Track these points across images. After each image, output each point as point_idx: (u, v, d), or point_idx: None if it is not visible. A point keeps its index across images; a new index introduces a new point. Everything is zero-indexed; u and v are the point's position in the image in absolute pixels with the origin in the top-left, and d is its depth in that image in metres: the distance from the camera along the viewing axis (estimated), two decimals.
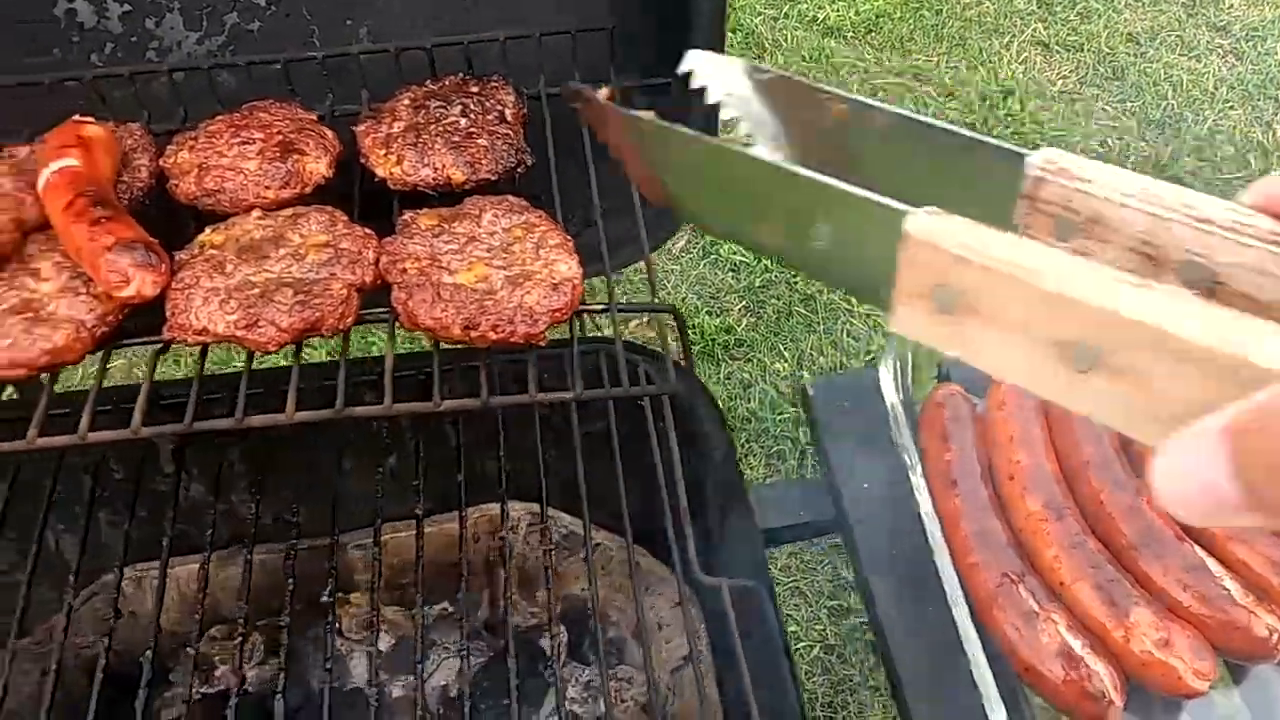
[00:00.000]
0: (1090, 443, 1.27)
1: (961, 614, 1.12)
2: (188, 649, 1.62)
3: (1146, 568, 1.19)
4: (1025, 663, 1.15)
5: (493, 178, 1.27)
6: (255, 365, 1.13)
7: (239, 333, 1.06)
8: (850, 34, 4.35)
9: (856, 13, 4.39)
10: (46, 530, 1.50)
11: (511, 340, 1.08)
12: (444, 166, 1.25)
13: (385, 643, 1.61)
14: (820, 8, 4.38)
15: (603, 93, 0.86)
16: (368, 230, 1.17)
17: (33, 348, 1.04)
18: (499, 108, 1.32)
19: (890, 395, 1.29)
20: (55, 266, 1.11)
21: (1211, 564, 1.18)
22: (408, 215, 1.19)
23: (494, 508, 1.64)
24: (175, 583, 1.58)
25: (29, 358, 1.04)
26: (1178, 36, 4.22)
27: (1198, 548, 1.19)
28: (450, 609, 1.64)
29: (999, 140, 0.63)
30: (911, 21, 4.41)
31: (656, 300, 1.21)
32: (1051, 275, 0.47)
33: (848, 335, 3.31)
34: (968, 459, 1.28)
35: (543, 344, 1.10)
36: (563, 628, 1.66)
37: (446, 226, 1.17)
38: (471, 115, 1.30)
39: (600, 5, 1.53)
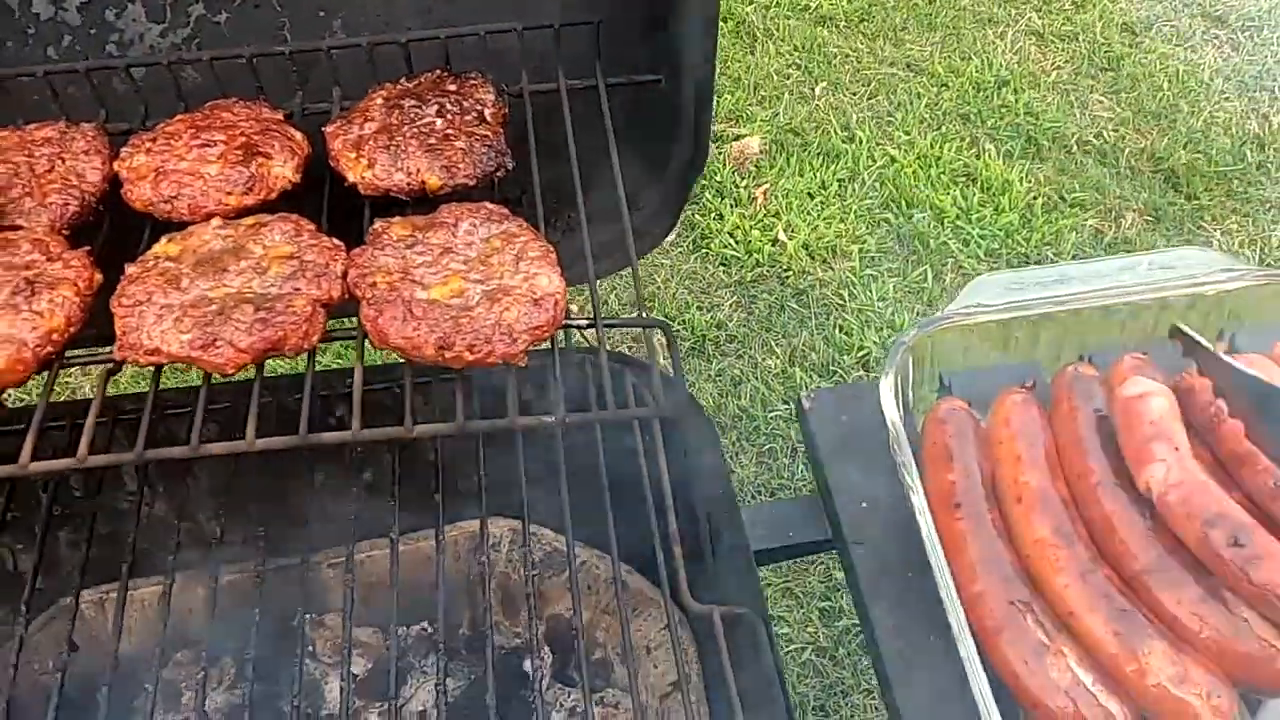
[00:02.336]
0: (1099, 462, 1.21)
1: (967, 647, 1.06)
2: (151, 675, 1.55)
3: (1160, 596, 1.12)
4: (1034, 698, 1.09)
5: (471, 183, 1.19)
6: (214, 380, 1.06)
7: (194, 353, 0.99)
8: (843, 23, 4.28)
9: (849, 1, 4.32)
10: (2, 549, 1.43)
11: (488, 361, 1.01)
12: (419, 171, 1.18)
13: (360, 666, 1.55)
14: None
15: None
16: (336, 241, 1.10)
17: None
18: (478, 107, 1.25)
19: (891, 412, 1.22)
20: None
21: (1227, 593, 1.12)
22: (379, 224, 1.11)
23: (474, 524, 1.57)
24: (138, 605, 1.50)
25: None
26: (1173, 27, 4.16)
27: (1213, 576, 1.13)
28: (429, 629, 1.57)
29: None
30: (904, 10, 4.35)
31: (644, 314, 1.14)
32: None
33: (840, 331, 3.26)
34: (972, 479, 1.22)
35: (522, 364, 1.03)
36: (547, 649, 1.59)
37: (420, 236, 1.09)
38: (449, 115, 1.22)
39: None
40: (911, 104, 4.01)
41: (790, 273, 3.46)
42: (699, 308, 3.34)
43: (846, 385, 2.78)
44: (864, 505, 1.32)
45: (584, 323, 1.12)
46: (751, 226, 3.55)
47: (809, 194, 3.70)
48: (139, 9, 1.49)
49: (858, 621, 1.38)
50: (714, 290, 3.43)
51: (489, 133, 1.23)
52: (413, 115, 1.22)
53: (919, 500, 1.16)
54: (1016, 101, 3.94)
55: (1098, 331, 1.35)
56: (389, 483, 1.49)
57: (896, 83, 4.10)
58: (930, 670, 1.19)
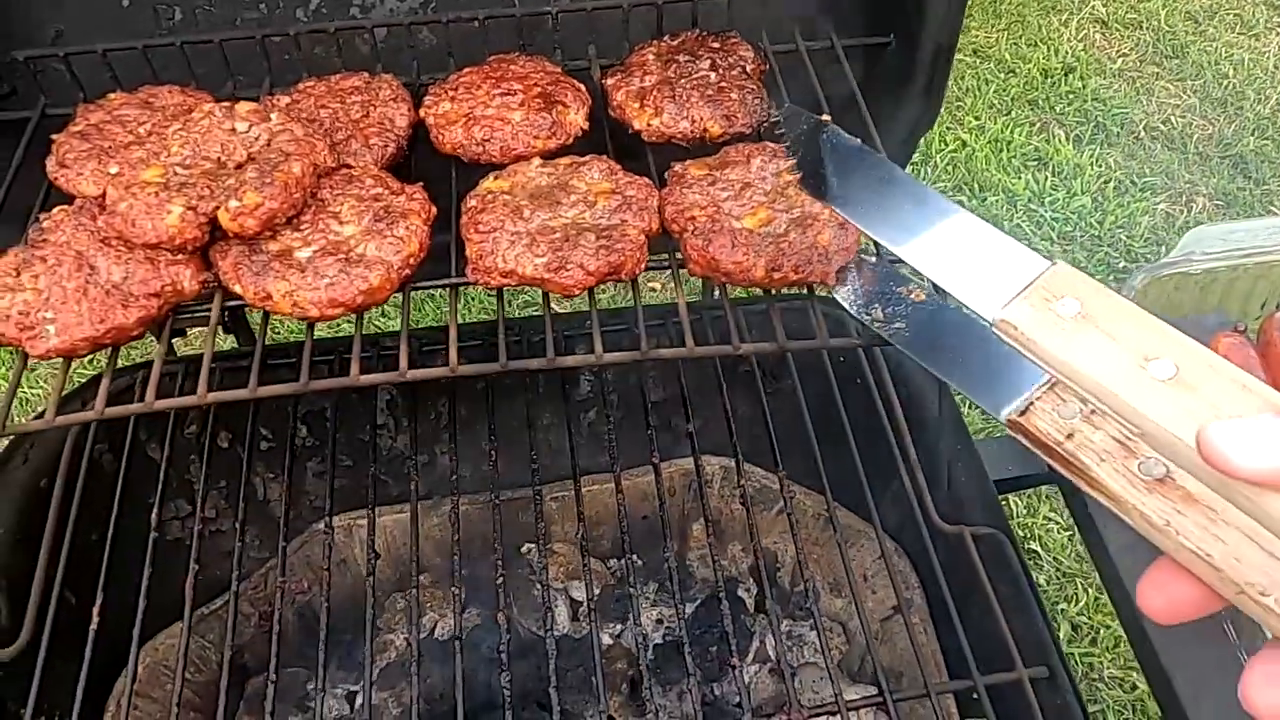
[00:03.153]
0: None
1: None
2: (408, 593, 1.65)
3: None
4: None
5: (747, 130, 1.29)
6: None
7: (547, 275, 1.08)
8: None
9: None
10: (255, 478, 1.52)
11: (810, 279, 1.10)
12: (702, 119, 1.27)
13: (585, 593, 1.64)
14: None
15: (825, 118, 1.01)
16: (646, 179, 1.19)
17: (351, 287, 1.06)
18: (741, 63, 1.34)
19: None
20: (353, 210, 1.12)
21: None
22: (678, 167, 1.21)
23: (687, 462, 1.67)
24: (381, 532, 1.59)
25: (348, 297, 1.06)
26: (1236, 15, 4.26)
27: None
28: (641, 561, 1.67)
29: None
30: None
31: None
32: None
33: None
34: None
35: (833, 283, 1.12)
36: (753, 580, 1.69)
37: (718, 175, 1.19)
38: (720, 70, 1.31)
39: None
40: (980, 89, 4.10)
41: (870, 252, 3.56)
42: None
43: None
44: None
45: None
46: None
47: None
48: None
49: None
50: None
51: (754, 85, 1.32)
52: (688, 69, 1.31)
53: None
54: (1084, 88, 4.04)
55: None
56: (606, 423, 1.58)
57: (964, 68, 4.19)
58: None
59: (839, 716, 1.15)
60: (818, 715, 1.17)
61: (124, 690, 1.38)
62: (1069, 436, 0.64)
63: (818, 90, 1.38)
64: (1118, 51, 4.22)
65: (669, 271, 1.17)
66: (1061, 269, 0.67)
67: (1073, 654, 2.60)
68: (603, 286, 1.12)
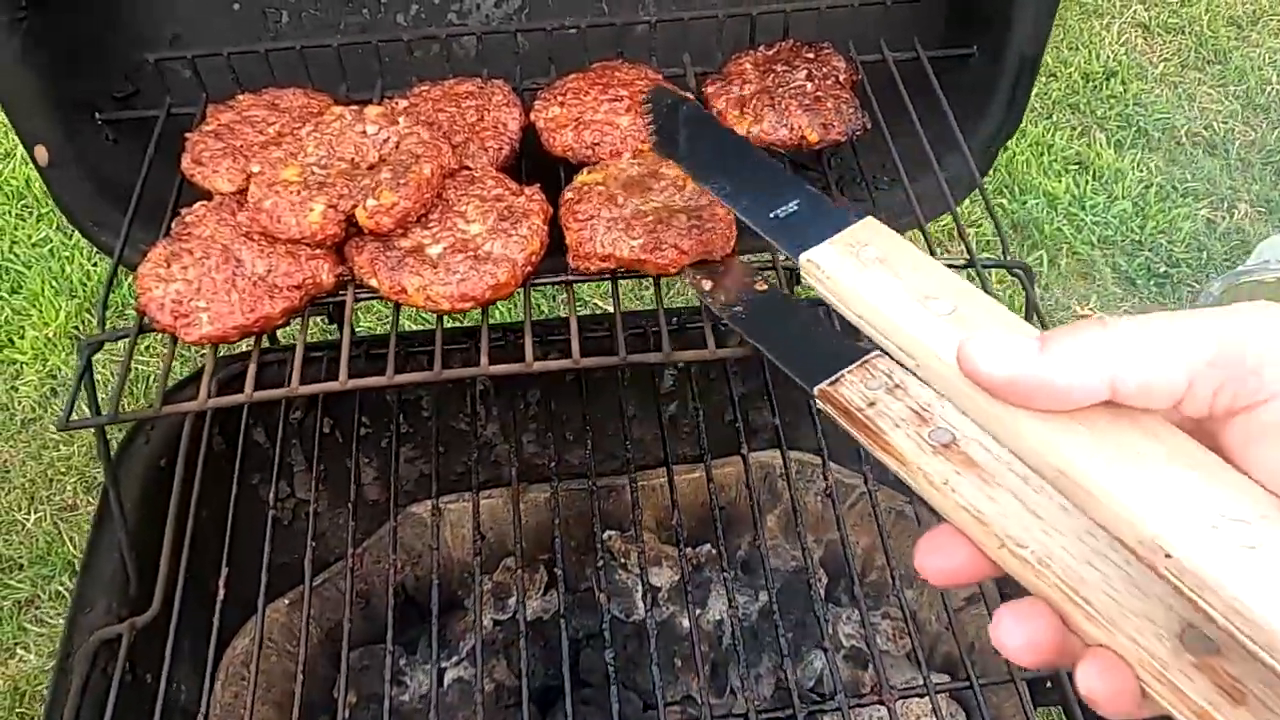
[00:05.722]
0: None
1: None
2: (488, 576, 1.71)
3: None
4: None
5: (841, 139, 1.35)
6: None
7: (644, 256, 1.14)
8: None
9: None
10: (353, 463, 1.59)
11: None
12: (800, 127, 1.33)
13: (665, 578, 1.70)
14: None
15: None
16: None
17: (480, 283, 1.12)
18: (835, 73, 1.40)
19: None
20: (478, 210, 1.19)
21: None
22: None
23: (763, 455, 1.73)
24: (468, 517, 1.66)
25: (478, 291, 1.12)
26: None
27: None
28: (715, 550, 1.73)
29: None
30: None
31: (1007, 257, 1.30)
32: None
33: None
34: None
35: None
36: (823, 572, 1.75)
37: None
38: (815, 79, 1.37)
39: None
40: None
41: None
42: None
43: None
44: None
45: (961, 263, 1.27)
46: None
47: None
48: None
49: None
50: None
51: (848, 94, 1.38)
52: (785, 79, 1.37)
53: None
54: (1125, 92, 4.08)
55: None
56: (692, 415, 1.65)
57: None
58: None
59: (927, 699, 1.21)
60: (908, 697, 1.23)
61: (238, 658, 1.45)
62: (871, 404, 0.69)
63: (905, 99, 1.44)
64: (1159, 56, 4.25)
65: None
66: (869, 222, 0.75)
67: None
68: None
